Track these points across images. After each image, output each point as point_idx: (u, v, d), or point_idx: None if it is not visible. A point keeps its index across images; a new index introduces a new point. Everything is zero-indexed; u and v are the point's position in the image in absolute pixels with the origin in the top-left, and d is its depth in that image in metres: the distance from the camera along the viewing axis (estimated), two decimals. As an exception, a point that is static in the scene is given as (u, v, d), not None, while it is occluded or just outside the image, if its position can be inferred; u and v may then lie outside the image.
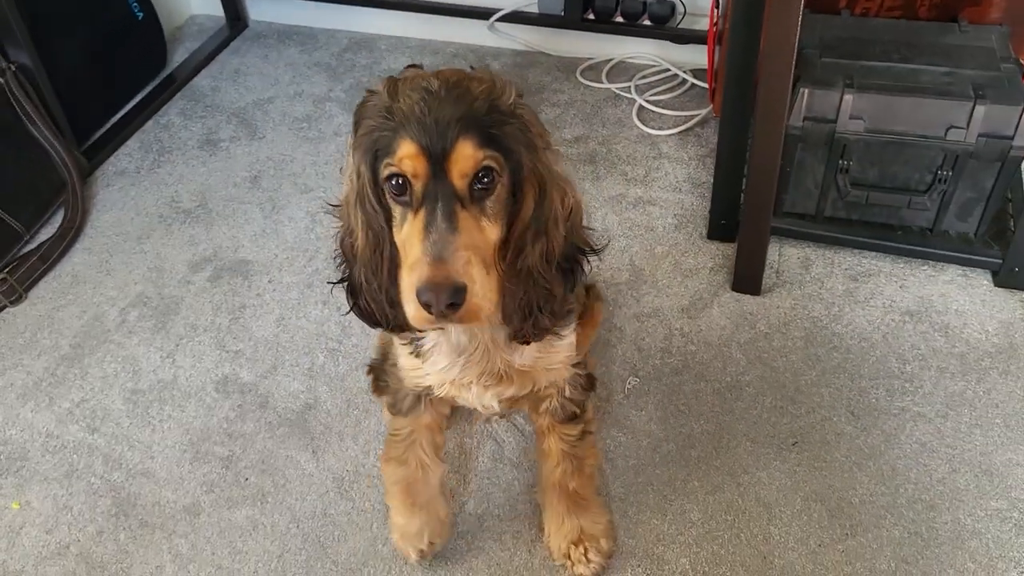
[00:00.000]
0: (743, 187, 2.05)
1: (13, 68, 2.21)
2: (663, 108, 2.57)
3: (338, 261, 1.17)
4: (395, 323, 1.13)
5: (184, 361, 1.94)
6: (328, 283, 1.17)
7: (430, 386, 1.36)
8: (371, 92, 1.07)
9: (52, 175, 2.30)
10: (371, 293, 1.12)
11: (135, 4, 2.66)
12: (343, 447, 1.75)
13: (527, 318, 1.13)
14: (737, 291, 2.02)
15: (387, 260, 1.07)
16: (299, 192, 2.37)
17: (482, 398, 1.33)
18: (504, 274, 1.07)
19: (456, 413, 1.77)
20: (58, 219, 2.28)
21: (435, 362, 1.28)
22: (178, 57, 2.92)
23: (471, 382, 1.30)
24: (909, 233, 2.04)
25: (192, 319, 2.04)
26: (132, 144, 2.56)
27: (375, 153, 1.02)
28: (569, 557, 1.53)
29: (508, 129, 1.02)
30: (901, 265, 2.05)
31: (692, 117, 2.51)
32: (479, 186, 1.00)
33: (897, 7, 2.13)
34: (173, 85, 2.75)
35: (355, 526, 1.62)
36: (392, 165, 0.99)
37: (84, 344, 1.99)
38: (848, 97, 1.88)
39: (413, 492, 1.48)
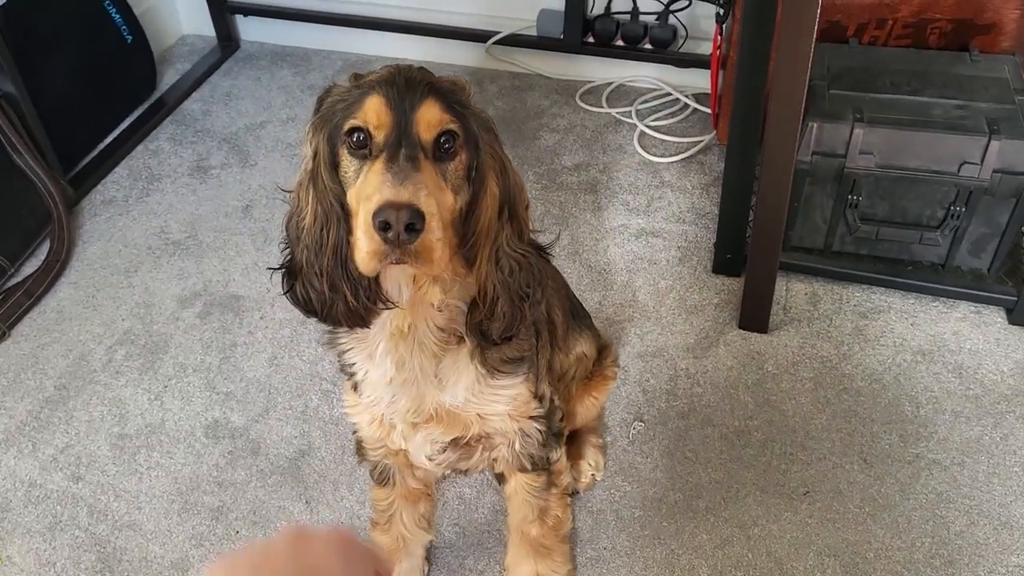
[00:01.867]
0: (749, 220, 1.99)
1: (-3, 97, 2.15)
2: (665, 134, 2.51)
3: (282, 246, 1.11)
4: (331, 311, 1.06)
5: (172, 403, 1.88)
6: (268, 268, 1.10)
7: (386, 447, 1.31)
8: (336, 84, 1.06)
9: (37, 206, 2.23)
10: (311, 276, 1.05)
11: (125, 28, 2.60)
12: (338, 496, 1.69)
13: (516, 304, 1.08)
14: (744, 329, 1.96)
15: (333, 240, 1.02)
16: (292, 223, 2.30)
17: (412, 442, 1.24)
18: (480, 262, 1.05)
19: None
20: (43, 251, 2.21)
21: (368, 394, 1.21)
22: (168, 79, 2.85)
23: (398, 421, 1.22)
24: (920, 269, 1.98)
25: (181, 358, 1.97)
26: (120, 171, 2.50)
27: (335, 125, 1.00)
28: None
29: (469, 114, 1.02)
30: (912, 301, 1.99)
31: (695, 144, 2.46)
32: (442, 148, 0.98)
33: (906, 36, 2.08)
34: (163, 109, 2.69)
35: (350, 583, 1.55)
36: (354, 119, 0.97)
37: (69, 385, 1.92)
38: (858, 131, 1.82)
39: (394, 559, 1.49)
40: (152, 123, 2.64)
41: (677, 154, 2.45)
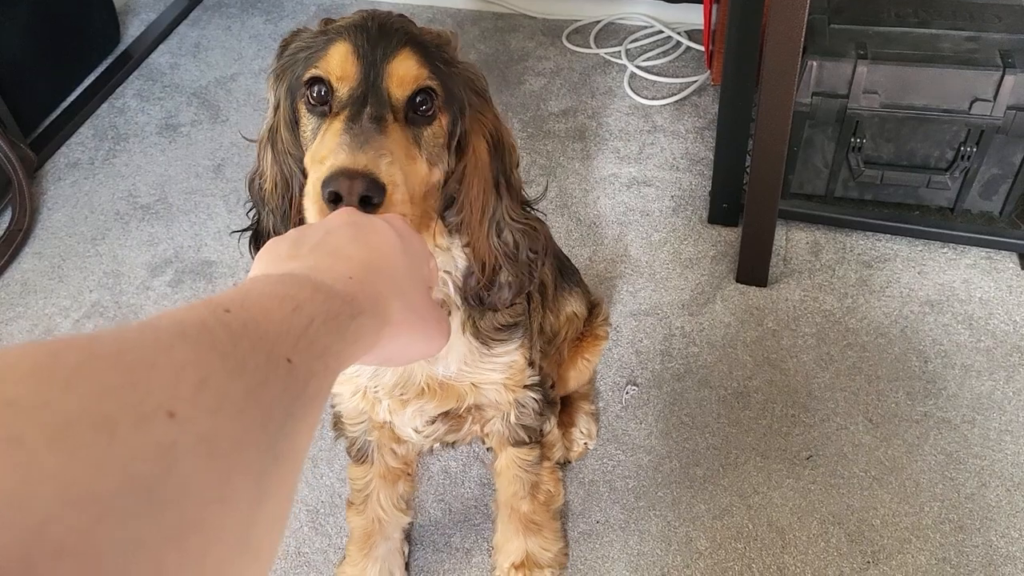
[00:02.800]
0: (746, 166, 1.88)
1: (-57, 58, 2.02)
2: (657, 75, 2.37)
3: (248, 206, 1.00)
4: None
5: (144, 379, 1.79)
6: (231, 232, 0.99)
7: (368, 422, 1.22)
8: (303, 28, 0.92)
9: (-4, 173, 2.12)
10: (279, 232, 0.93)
11: (81, -23, 2.45)
12: (317, 474, 1.61)
13: (524, 274, 1.00)
14: (742, 283, 1.86)
15: (295, 206, 0.91)
16: (265, 182, 2.18)
17: (401, 417, 1.15)
18: (474, 236, 0.95)
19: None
20: (4, 221, 2.11)
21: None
22: (133, 31, 2.70)
23: (382, 396, 1.12)
24: (928, 213, 1.87)
25: (152, 330, 1.88)
26: (85, 132, 2.37)
27: (297, 77, 0.86)
28: None
29: (454, 72, 0.88)
30: (919, 248, 1.89)
31: (688, 85, 2.33)
32: (418, 109, 0.84)
33: (913, -39, 1.93)
34: (128, 63, 2.55)
35: (331, 565, 1.49)
36: (316, 68, 0.83)
37: (35, 363, 1.83)
38: (862, 69, 1.70)
39: (371, 543, 1.40)
40: (117, 79, 2.50)
41: (669, 96, 2.32)
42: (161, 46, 2.66)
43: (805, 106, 1.75)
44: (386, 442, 1.31)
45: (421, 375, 1.09)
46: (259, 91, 2.46)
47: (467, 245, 0.97)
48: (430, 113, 0.85)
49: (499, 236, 0.96)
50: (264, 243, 0.91)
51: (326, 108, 0.83)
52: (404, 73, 0.82)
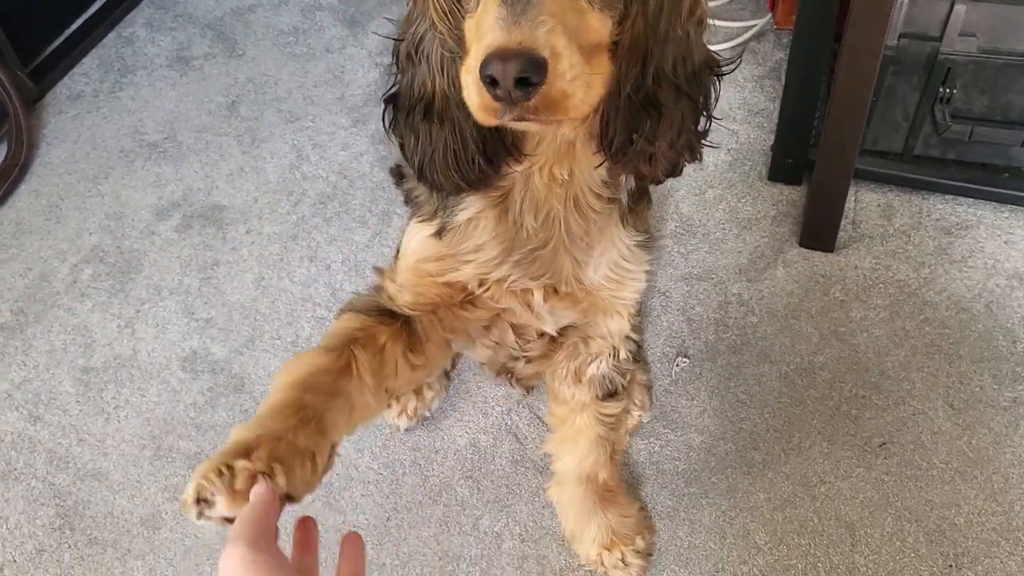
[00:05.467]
0: (815, 118, 1.69)
1: (-66, -27, 1.84)
2: (713, 18, 2.15)
3: (391, 70, 0.88)
4: (433, 166, 0.84)
5: (146, 332, 1.64)
6: (383, 100, 0.85)
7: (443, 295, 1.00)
8: None
9: (-8, 103, 1.95)
10: (415, 118, 0.84)
11: None
12: (332, 443, 1.46)
13: (676, 152, 0.85)
14: (806, 247, 1.67)
15: (447, 78, 0.82)
16: (284, 122, 2.01)
17: (542, 314, 1.01)
18: (621, 98, 0.80)
19: (468, 399, 1.48)
20: (0, 154, 1.94)
21: (478, 248, 0.95)
22: (145, -45, 2.51)
23: (535, 288, 0.98)
24: (1018, 176, 1.68)
25: (156, 279, 1.72)
26: (89, 62, 2.19)
27: None
28: (603, 564, 1.29)
29: None
30: (1006, 215, 1.69)
31: (747, 29, 2.12)
32: None
33: None
34: (139, -11, 2.36)
35: (346, 546, 1.33)
36: None
37: (28, 310, 1.68)
38: (959, 7, 1.49)
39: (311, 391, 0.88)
40: (126, 6, 2.32)
41: (726, 41, 2.11)
42: (175, -28, 2.47)
43: (890, 50, 1.56)
44: (434, 323, 1.03)
45: (569, 270, 0.97)
46: (279, 24, 2.27)
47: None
48: None
49: (654, 94, 0.80)
50: (404, 110, 0.85)
51: None
52: None
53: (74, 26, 2.25)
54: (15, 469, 1.46)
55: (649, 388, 1.47)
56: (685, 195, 1.78)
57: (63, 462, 1.46)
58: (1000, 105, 1.60)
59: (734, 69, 0.87)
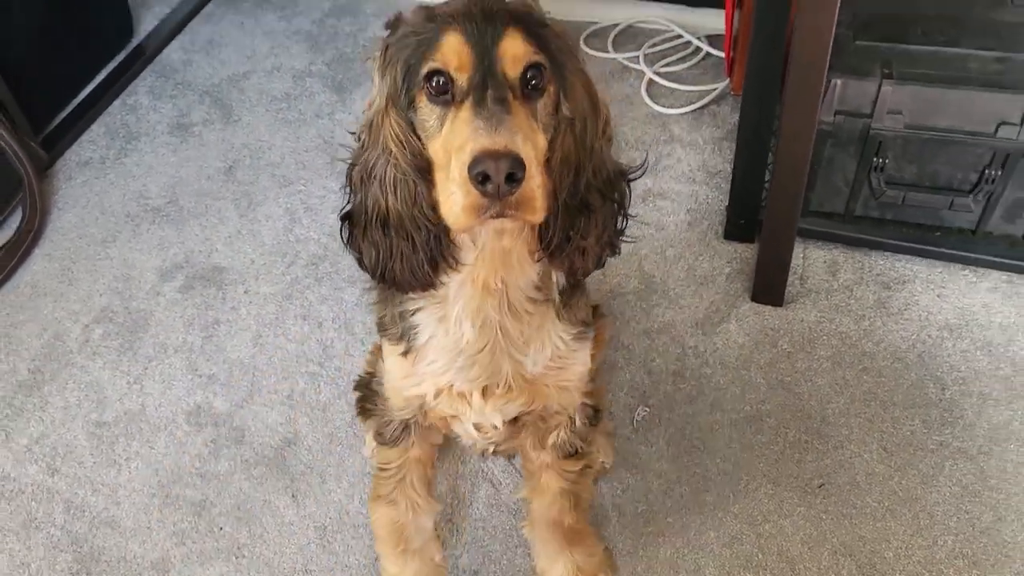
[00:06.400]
0: (765, 180, 1.85)
1: (-45, 57, 2.00)
2: (675, 82, 2.34)
3: (345, 191, 1.01)
4: (391, 270, 0.98)
5: (153, 387, 1.78)
6: (339, 218, 1.01)
7: (421, 406, 1.19)
8: (402, 14, 0.96)
9: (7, 172, 2.10)
10: (373, 230, 0.97)
11: (95, -30, 2.42)
12: (325, 490, 1.60)
13: (607, 243, 1.01)
14: (757, 301, 1.83)
15: (406, 192, 0.94)
16: (277, 186, 2.17)
17: (483, 412, 1.16)
18: (559, 203, 0.95)
19: (448, 451, 1.62)
20: (15, 221, 2.10)
21: (431, 361, 1.11)
22: (146, 25, 2.68)
23: (472, 391, 1.13)
24: (949, 235, 1.84)
25: (162, 337, 1.87)
26: (96, 129, 2.36)
27: (409, 67, 0.90)
28: None
29: (548, 35, 0.92)
30: (939, 270, 1.85)
31: (707, 93, 2.29)
32: (529, 84, 0.89)
33: (941, -25, 1.89)
34: (142, 58, 2.53)
35: (338, 585, 1.48)
36: (433, 61, 0.88)
37: (44, 368, 1.83)
38: (887, 89, 1.66)
39: (405, 537, 1.36)
40: (130, 75, 2.49)
41: (688, 104, 2.28)
42: (174, 42, 2.63)
43: (828, 124, 1.72)
44: (434, 427, 1.28)
45: (508, 370, 1.10)
46: (272, 90, 2.44)
47: (552, 199, 0.94)
48: (541, 86, 0.89)
49: (586, 198, 0.96)
50: (360, 225, 0.98)
51: (448, 97, 0.88)
52: (515, 52, 0.87)
53: (82, 95, 2.41)
54: (35, 519, 1.60)
55: (612, 435, 1.62)
56: (647, 254, 1.94)
57: (79, 511, 1.60)
58: (928, 173, 1.76)
59: (642, 175, 1.04)
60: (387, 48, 0.94)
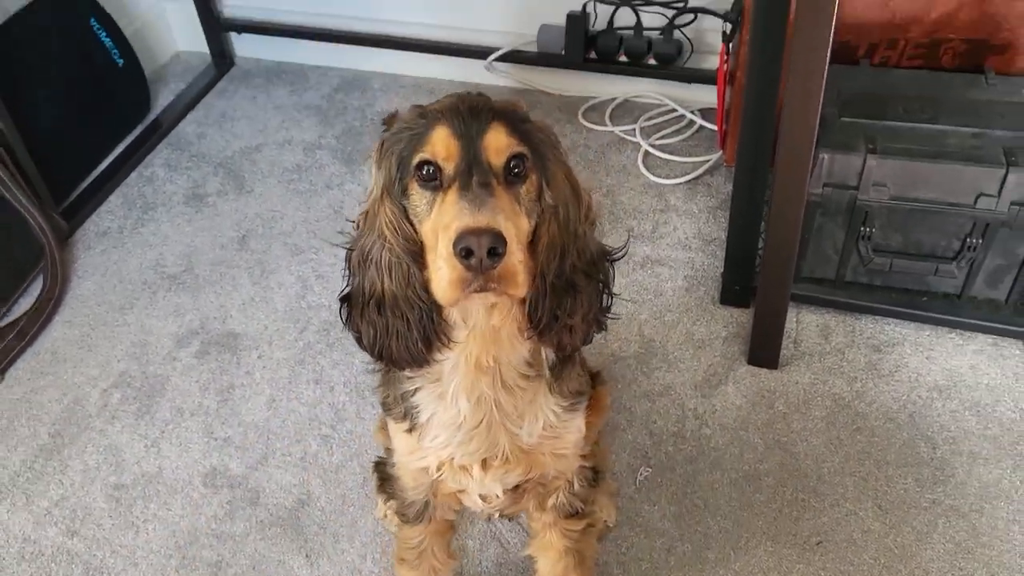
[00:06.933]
0: (758, 248, 1.94)
1: (-16, 133, 2.10)
2: (670, 154, 2.44)
3: (344, 275, 1.09)
4: (388, 349, 1.04)
5: (170, 450, 1.84)
6: (339, 300, 1.09)
7: (431, 485, 1.27)
8: (399, 111, 1.06)
9: (29, 242, 2.19)
10: (371, 311, 1.04)
11: (115, 50, 2.54)
12: (338, 550, 1.65)
13: (593, 320, 1.08)
14: (753, 364, 1.90)
15: (400, 273, 1.01)
16: (289, 254, 2.25)
17: (483, 483, 1.22)
18: (547, 284, 1.02)
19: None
20: (36, 288, 2.17)
21: (433, 437, 1.18)
22: (163, 100, 2.79)
23: (472, 463, 1.19)
24: (935, 299, 1.93)
25: (178, 401, 1.93)
26: (114, 200, 2.45)
27: (402, 158, 0.99)
28: None
29: (531, 129, 1.01)
30: (927, 333, 1.93)
31: (701, 164, 2.40)
32: (512, 172, 0.97)
33: (918, 56, 2.01)
34: (158, 132, 2.64)
35: (352, 644, 1.52)
36: (424, 152, 0.96)
37: (64, 432, 1.88)
38: (871, 163, 1.76)
39: None
40: (146, 148, 2.58)
41: (683, 175, 2.39)
42: (189, 115, 2.74)
43: (817, 196, 1.82)
44: (446, 503, 1.36)
45: (504, 442, 1.17)
46: (283, 162, 2.54)
47: (537, 279, 1.01)
48: (523, 173, 0.97)
49: (572, 279, 1.04)
50: (358, 306, 1.05)
51: (436, 183, 0.96)
52: (498, 144, 0.95)
53: (100, 168, 2.51)
54: (55, 580, 1.64)
55: (615, 495, 1.67)
56: (647, 319, 2.02)
57: (98, 573, 1.65)
58: (913, 241, 1.85)
59: (623, 256, 1.12)
60: (383, 143, 1.03)
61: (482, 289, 0.92)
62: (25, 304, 2.14)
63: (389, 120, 1.07)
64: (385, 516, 1.63)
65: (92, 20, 2.48)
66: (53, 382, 1.99)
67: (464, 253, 0.88)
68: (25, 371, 2.01)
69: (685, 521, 1.65)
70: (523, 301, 1.03)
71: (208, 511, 1.73)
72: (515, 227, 0.94)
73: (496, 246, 0.88)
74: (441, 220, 0.94)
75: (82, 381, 1.99)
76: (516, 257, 0.92)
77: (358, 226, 1.06)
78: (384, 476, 1.47)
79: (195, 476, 1.79)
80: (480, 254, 0.88)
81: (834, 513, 1.65)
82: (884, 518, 1.63)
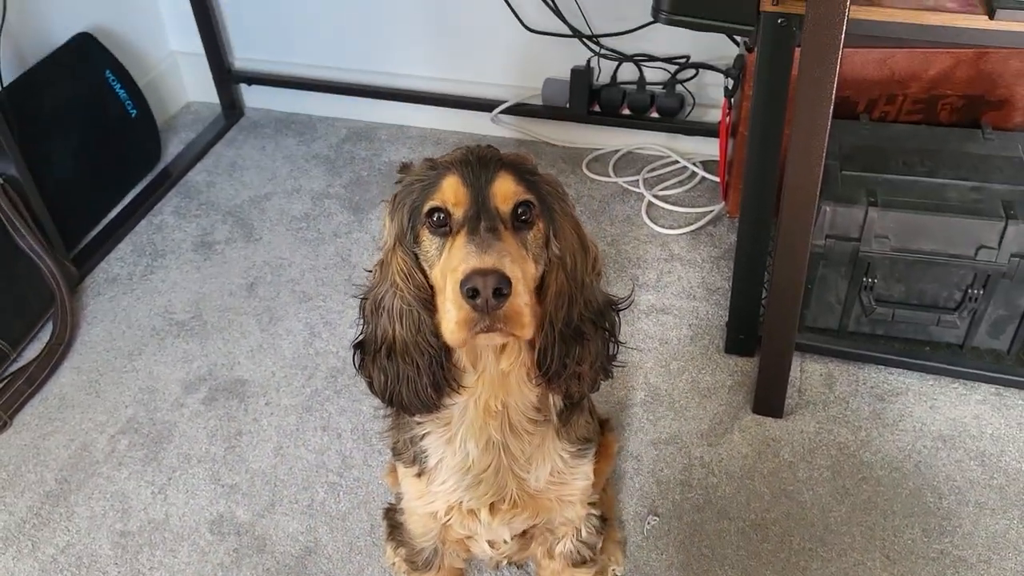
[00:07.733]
0: (762, 298, 1.96)
1: (0, 181, 2.13)
2: (673, 204, 2.48)
3: (358, 323, 1.12)
4: (399, 394, 1.07)
5: (177, 497, 1.84)
6: (352, 347, 1.13)
7: (439, 532, 1.27)
8: (412, 163, 1.11)
9: (40, 287, 2.21)
10: (382, 357, 1.06)
11: (129, 102, 2.59)
12: (345, 599, 1.65)
13: (595, 372, 1.10)
14: (758, 413, 1.92)
15: (412, 319, 1.04)
16: (297, 301, 2.27)
17: (491, 527, 1.23)
18: (555, 332, 1.04)
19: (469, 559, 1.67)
20: (46, 334, 2.18)
21: (442, 481, 1.19)
22: (173, 149, 2.84)
23: (480, 507, 1.21)
24: (938, 349, 1.95)
25: (185, 448, 1.93)
26: (124, 248, 2.47)
27: (414, 206, 1.03)
28: None
29: (539, 181, 1.05)
30: (930, 383, 1.95)
31: (704, 215, 2.43)
32: (519, 219, 1.00)
33: (917, 111, 2.06)
34: (167, 181, 2.67)
35: None
36: (434, 200, 1.00)
37: (71, 478, 1.88)
38: (873, 215, 1.79)
39: None
40: (156, 196, 2.62)
41: (686, 225, 2.42)
42: (198, 164, 2.78)
43: (819, 247, 1.85)
44: (455, 550, 1.38)
45: (512, 486, 1.18)
46: (291, 210, 2.57)
47: (544, 328, 1.04)
48: (530, 220, 1.01)
49: (579, 328, 1.06)
50: (370, 353, 1.08)
51: (446, 229, 1.00)
52: (505, 191, 0.99)
53: (111, 216, 2.54)
54: (60, 628, 1.63)
55: (622, 544, 1.68)
56: (652, 367, 2.03)
57: (103, 620, 1.64)
58: (915, 292, 1.88)
59: (629, 305, 1.15)
60: (395, 196, 1.07)
61: (489, 329, 0.95)
62: (34, 350, 2.15)
63: (402, 169, 1.12)
64: (394, 564, 1.63)
65: (107, 72, 2.54)
66: (61, 428, 1.99)
67: (471, 293, 0.91)
68: (33, 416, 2.02)
69: (693, 570, 1.65)
70: (532, 347, 1.06)
71: (215, 559, 1.72)
72: (521, 270, 0.97)
73: (501, 286, 0.91)
74: (450, 263, 0.97)
75: (90, 427, 1.99)
76: (522, 299, 0.95)
77: (373, 275, 1.10)
78: (394, 523, 1.47)
79: (202, 523, 1.79)
80: (486, 294, 0.91)
81: (842, 563, 1.65)
82: (892, 568, 1.63)
